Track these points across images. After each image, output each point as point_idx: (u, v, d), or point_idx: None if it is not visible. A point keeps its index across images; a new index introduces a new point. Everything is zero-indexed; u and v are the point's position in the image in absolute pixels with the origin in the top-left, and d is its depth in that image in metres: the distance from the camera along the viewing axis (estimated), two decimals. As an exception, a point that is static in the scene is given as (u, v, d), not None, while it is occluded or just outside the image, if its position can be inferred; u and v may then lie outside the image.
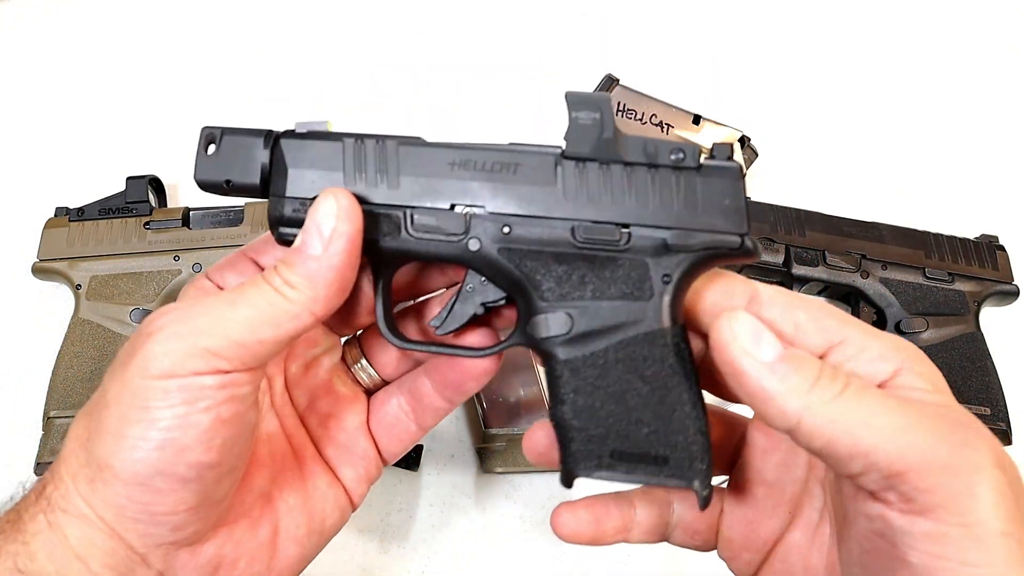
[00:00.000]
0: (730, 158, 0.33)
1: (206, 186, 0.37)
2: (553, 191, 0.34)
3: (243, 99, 0.75)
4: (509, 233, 0.34)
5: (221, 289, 0.36)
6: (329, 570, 0.56)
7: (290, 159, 0.36)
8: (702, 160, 0.33)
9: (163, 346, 0.30)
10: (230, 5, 0.80)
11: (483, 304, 0.37)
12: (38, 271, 0.61)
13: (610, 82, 0.71)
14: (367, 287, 0.38)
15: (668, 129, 0.70)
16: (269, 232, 0.36)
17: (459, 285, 0.37)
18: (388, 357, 0.42)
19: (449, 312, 0.37)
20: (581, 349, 0.34)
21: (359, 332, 0.44)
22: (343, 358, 0.43)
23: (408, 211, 0.35)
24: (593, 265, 0.34)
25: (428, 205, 0.35)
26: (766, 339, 0.30)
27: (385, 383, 0.44)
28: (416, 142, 0.35)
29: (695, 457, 0.33)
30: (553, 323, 0.34)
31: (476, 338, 0.39)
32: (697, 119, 0.70)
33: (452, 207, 0.35)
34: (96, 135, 0.73)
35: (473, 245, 0.35)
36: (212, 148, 0.37)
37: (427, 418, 0.43)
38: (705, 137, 0.70)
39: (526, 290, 0.35)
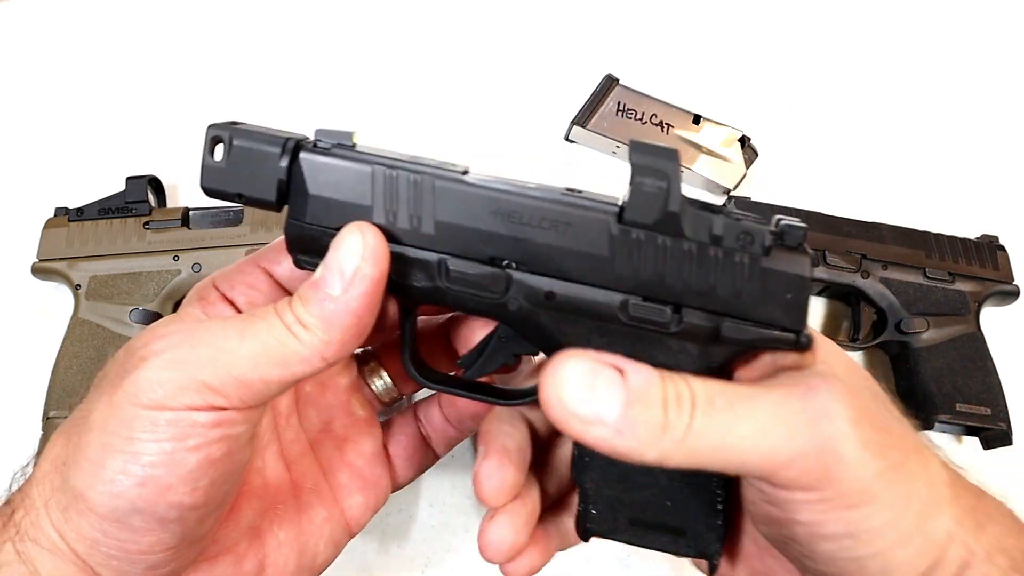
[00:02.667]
0: (801, 245, 0.29)
1: (214, 195, 0.32)
2: (606, 259, 0.30)
3: (244, 98, 0.75)
4: (553, 298, 0.31)
5: (228, 300, 0.34)
6: (329, 570, 0.56)
7: (311, 182, 0.31)
8: (771, 242, 0.29)
9: (158, 374, 0.28)
10: (231, 4, 0.80)
11: (515, 354, 0.35)
12: (38, 271, 0.61)
13: (610, 82, 0.71)
14: (391, 304, 0.35)
15: (668, 129, 0.70)
16: (282, 238, 0.33)
17: (493, 330, 0.35)
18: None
19: (479, 357, 0.35)
20: None
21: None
22: (359, 369, 0.41)
23: (443, 259, 0.31)
24: (638, 343, 0.31)
25: (465, 256, 0.31)
26: (602, 395, 0.27)
27: (401, 396, 0.43)
28: (456, 179, 0.31)
29: (712, 530, 0.33)
30: None
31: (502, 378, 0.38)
32: (697, 119, 0.70)
33: (492, 261, 0.31)
34: (96, 135, 0.73)
35: (512, 305, 0.31)
36: (220, 151, 0.33)
37: (441, 446, 0.42)
38: (705, 137, 0.70)
39: None
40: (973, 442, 0.62)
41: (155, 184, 0.67)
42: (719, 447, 0.27)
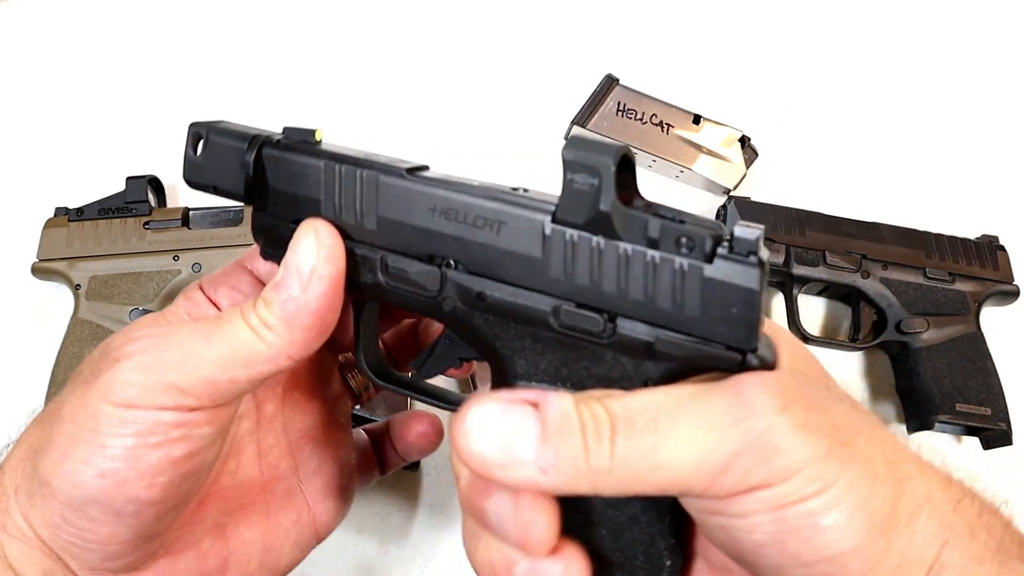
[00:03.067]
0: (753, 253, 0.25)
1: (194, 187, 0.34)
2: (538, 261, 0.28)
3: (244, 98, 0.75)
4: (484, 300, 0.30)
5: (213, 303, 0.35)
6: (329, 570, 0.56)
7: (271, 175, 0.33)
8: (713, 249, 0.26)
9: (130, 375, 0.29)
10: (231, 5, 0.80)
11: (459, 358, 0.34)
12: (38, 271, 0.61)
13: (610, 82, 0.71)
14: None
15: (668, 129, 0.70)
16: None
17: (441, 332, 0.34)
18: None
19: (427, 358, 0.35)
20: None
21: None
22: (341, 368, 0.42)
23: (384, 255, 0.31)
24: (571, 353, 0.29)
25: (405, 252, 0.31)
26: (516, 434, 0.25)
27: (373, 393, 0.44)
28: (398, 175, 0.30)
29: (662, 568, 0.30)
30: None
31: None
32: (697, 119, 0.70)
33: (430, 259, 0.30)
34: (96, 135, 0.73)
35: (447, 305, 0.31)
36: (201, 147, 0.34)
37: (387, 468, 0.45)
38: (705, 137, 0.70)
39: (501, 364, 0.31)
40: (973, 442, 0.62)
41: (155, 184, 0.67)
42: (650, 468, 0.25)
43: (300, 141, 0.33)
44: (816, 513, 0.25)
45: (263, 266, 0.36)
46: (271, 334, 0.30)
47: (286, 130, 0.33)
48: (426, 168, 0.32)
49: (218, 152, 0.34)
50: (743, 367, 0.26)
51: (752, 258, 0.25)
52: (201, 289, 0.35)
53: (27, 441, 0.32)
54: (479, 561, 0.31)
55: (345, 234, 0.31)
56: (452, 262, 0.30)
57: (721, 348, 0.26)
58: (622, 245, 0.26)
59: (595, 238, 0.27)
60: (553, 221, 0.28)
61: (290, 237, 0.31)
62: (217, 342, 0.30)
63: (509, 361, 0.30)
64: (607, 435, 0.25)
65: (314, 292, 0.30)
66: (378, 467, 0.44)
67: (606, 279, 0.27)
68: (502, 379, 0.31)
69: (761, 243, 0.25)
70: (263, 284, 0.36)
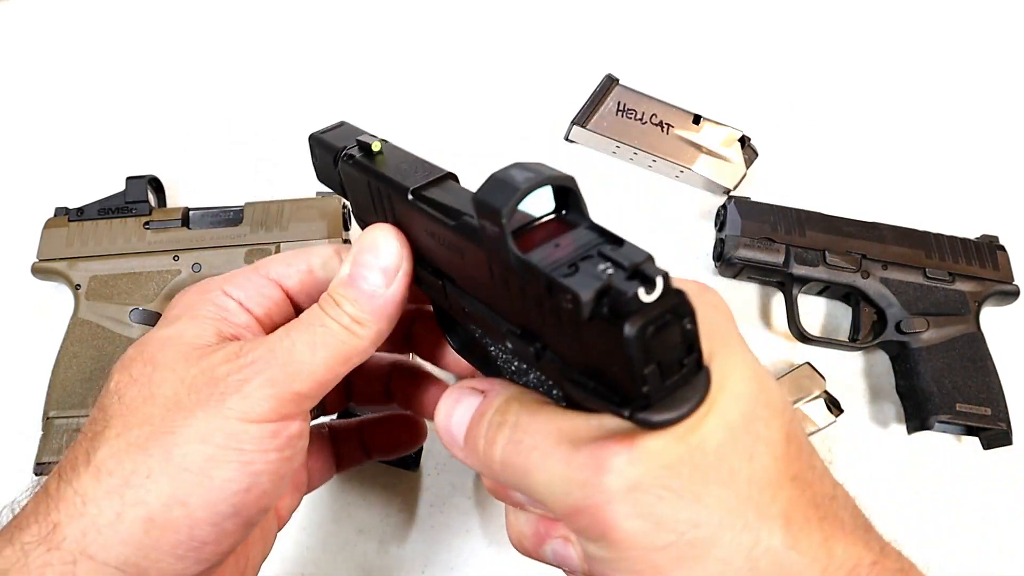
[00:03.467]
0: (626, 313, 0.22)
1: (327, 185, 0.40)
2: (490, 287, 0.29)
3: (244, 98, 0.75)
4: (468, 314, 0.32)
5: (241, 305, 0.35)
6: (329, 570, 0.56)
7: (347, 183, 0.37)
8: (591, 310, 0.23)
9: (261, 391, 0.31)
10: (231, 5, 0.80)
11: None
12: (38, 271, 0.61)
13: (610, 82, 0.71)
14: None
15: (668, 129, 0.70)
16: (290, 252, 0.37)
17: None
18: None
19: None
20: None
21: None
22: None
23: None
24: (527, 366, 0.31)
25: (418, 260, 0.34)
26: (458, 418, 0.31)
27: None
28: (403, 197, 0.32)
29: None
30: None
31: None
32: (697, 119, 0.70)
33: (436, 272, 0.33)
34: (96, 135, 0.73)
35: (454, 310, 0.34)
36: (311, 155, 0.39)
37: (343, 467, 0.46)
38: (705, 137, 0.70)
39: (495, 367, 0.33)
40: (973, 442, 0.62)
41: (155, 184, 0.67)
42: (523, 485, 0.28)
43: (362, 155, 0.35)
44: None
45: (292, 281, 0.37)
46: (364, 329, 0.32)
47: (358, 141, 0.36)
48: (452, 177, 0.33)
49: (321, 161, 0.39)
50: (634, 421, 0.24)
51: (628, 320, 0.22)
52: (227, 294, 0.35)
53: (113, 479, 0.30)
54: (514, 533, 0.34)
55: None
56: (450, 279, 0.32)
57: (615, 400, 0.24)
58: (529, 289, 0.26)
59: (514, 278, 0.26)
60: (487, 257, 0.27)
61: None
62: (322, 348, 0.32)
63: (495, 364, 0.33)
64: (501, 443, 0.28)
65: (399, 286, 0.33)
66: (335, 465, 0.45)
67: (532, 314, 0.27)
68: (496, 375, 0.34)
69: (639, 298, 0.22)
70: (286, 293, 0.37)
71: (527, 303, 0.26)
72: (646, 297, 0.22)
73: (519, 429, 0.28)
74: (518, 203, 0.24)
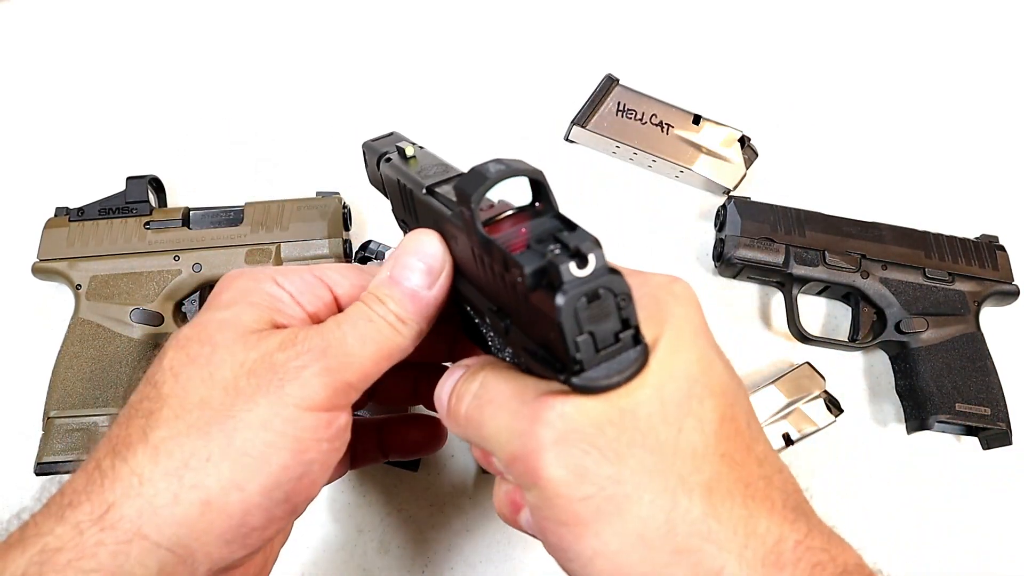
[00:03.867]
0: (556, 287, 0.25)
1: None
2: (474, 266, 0.32)
3: (244, 98, 0.75)
4: (461, 293, 0.35)
5: (293, 298, 0.36)
6: (329, 570, 0.56)
7: (386, 184, 0.41)
8: (532, 281, 0.27)
9: (320, 379, 0.32)
10: (230, 5, 0.80)
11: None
12: (38, 271, 0.61)
13: (610, 82, 0.71)
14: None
15: (668, 129, 0.70)
16: (347, 265, 0.40)
17: None
18: None
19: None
20: None
21: None
22: None
23: None
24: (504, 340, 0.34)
25: None
26: (445, 389, 0.34)
27: None
28: (420, 189, 0.36)
29: None
30: None
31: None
32: (697, 119, 0.71)
33: None
34: (96, 135, 0.73)
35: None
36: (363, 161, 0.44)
37: (355, 464, 0.46)
38: (705, 137, 0.70)
39: (486, 344, 0.36)
40: (973, 442, 0.62)
41: (155, 184, 0.67)
42: (480, 436, 0.31)
43: (399, 158, 0.39)
44: (565, 539, 0.28)
45: (342, 289, 0.38)
46: (406, 327, 0.34)
47: (397, 146, 0.40)
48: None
49: (370, 165, 0.43)
50: (569, 385, 0.27)
51: (558, 290, 0.25)
52: (279, 284, 0.36)
53: (172, 460, 0.30)
54: (496, 502, 0.35)
55: (412, 229, 0.38)
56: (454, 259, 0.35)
57: (551, 366, 0.28)
58: (495, 266, 0.29)
59: (484, 257, 0.30)
60: (469, 240, 0.31)
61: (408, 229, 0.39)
62: (370, 343, 0.33)
63: (487, 345, 0.36)
64: (466, 400, 0.32)
65: (440, 288, 0.34)
66: (348, 462, 0.45)
67: (501, 292, 0.30)
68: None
69: (570, 271, 0.25)
70: (335, 296, 0.37)
71: (497, 281, 0.29)
72: (577, 272, 0.26)
73: (482, 387, 0.32)
74: (486, 191, 0.28)
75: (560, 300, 0.25)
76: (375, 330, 0.33)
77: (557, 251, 0.26)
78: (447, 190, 0.35)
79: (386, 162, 0.40)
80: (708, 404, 0.28)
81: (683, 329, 0.30)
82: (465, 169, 0.34)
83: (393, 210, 0.43)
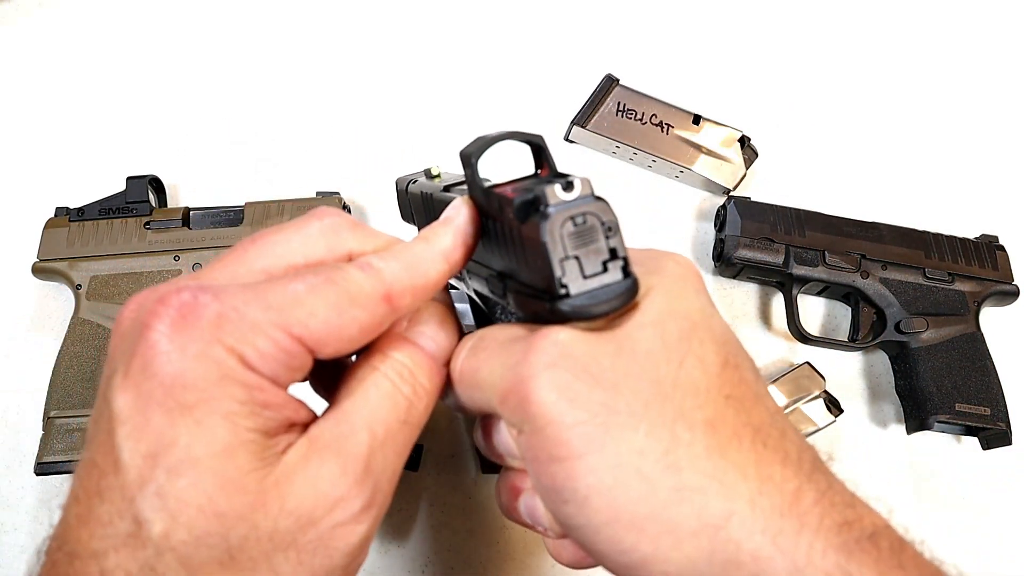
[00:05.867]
0: (540, 208, 0.27)
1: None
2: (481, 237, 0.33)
3: (244, 98, 0.75)
4: (474, 281, 0.37)
5: (265, 379, 0.30)
6: (329, 570, 0.56)
7: (413, 203, 0.45)
8: (520, 212, 0.28)
9: (366, 526, 0.28)
10: (230, 5, 0.80)
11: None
12: (38, 271, 0.61)
13: (610, 82, 0.71)
14: None
15: (668, 129, 0.70)
16: (293, 280, 0.39)
17: None
18: None
19: None
20: None
21: None
22: None
23: None
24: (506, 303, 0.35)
25: None
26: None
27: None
28: (436, 190, 0.39)
29: None
30: None
31: None
32: (697, 119, 0.70)
33: None
34: (96, 135, 0.73)
35: (469, 290, 0.39)
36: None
37: None
38: (705, 137, 0.70)
39: (493, 313, 0.39)
40: (972, 442, 0.62)
41: (156, 184, 0.67)
42: (475, 384, 0.30)
43: (425, 179, 0.43)
44: (559, 477, 0.26)
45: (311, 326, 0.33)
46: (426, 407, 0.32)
47: (425, 170, 0.44)
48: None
49: (400, 196, 0.50)
50: (555, 315, 0.27)
51: (542, 212, 0.26)
52: (248, 365, 0.27)
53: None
54: (497, 491, 0.34)
55: None
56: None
57: (541, 299, 0.28)
58: (492, 218, 0.30)
59: (488, 210, 0.31)
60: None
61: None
62: (401, 455, 0.30)
63: (493, 309, 0.38)
64: (463, 354, 0.31)
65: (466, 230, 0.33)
66: None
67: (500, 250, 0.31)
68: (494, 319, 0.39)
69: (555, 194, 0.26)
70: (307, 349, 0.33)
71: (494, 238, 0.31)
72: (562, 194, 0.27)
73: (477, 340, 0.32)
74: (484, 149, 0.29)
75: (543, 221, 0.26)
76: (410, 431, 0.30)
77: (546, 187, 0.27)
78: (463, 189, 0.37)
79: (412, 184, 0.44)
80: (710, 347, 0.27)
81: (683, 282, 0.29)
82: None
83: (419, 227, 0.45)
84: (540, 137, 0.30)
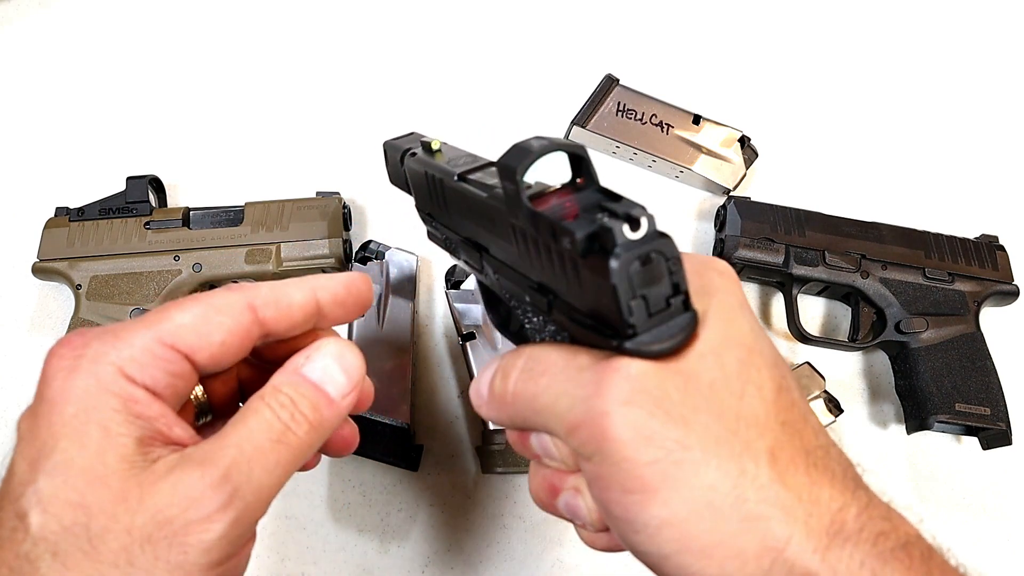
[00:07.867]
0: (612, 248, 0.26)
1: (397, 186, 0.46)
2: (514, 245, 0.32)
3: (244, 98, 0.75)
4: (499, 279, 0.36)
5: (149, 392, 0.32)
6: (329, 570, 0.56)
7: (410, 177, 0.42)
8: (583, 246, 0.27)
9: (230, 533, 0.29)
10: (230, 5, 0.80)
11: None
12: (38, 271, 0.61)
13: (610, 82, 0.71)
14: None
15: (668, 129, 0.70)
16: (182, 307, 0.34)
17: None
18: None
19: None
20: None
21: None
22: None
23: (450, 237, 0.40)
24: (545, 318, 0.34)
25: (464, 237, 0.38)
26: (484, 380, 0.33)
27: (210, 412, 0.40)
28: (451, 178, 0.36)
29: None
30: None
31: None
32: (697, 119, 0.71)
33: (476, 245, 0.37)
34: (96, 135, 0.73)
35: (487, 278, 0.38)
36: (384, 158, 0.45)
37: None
38: (705, 137, 0.70)
39: (519, 322, 0.37)
40: (972, 442, 0.62)
41: (156, 184, 0.67)
42: (532, 410, 0.30)
43: (424, 152, 0.40)
44: (631, 508, 0.27)
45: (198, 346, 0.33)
46: (318, 438, 0.33)
47: (421, 142, 0.41)
48: (494, 165, 0.35)
49: (392, 162, 0.45)
50: (620, 351, 0.27)
51: (612, 253, 0.26)
52: (128, 378, 0.31)
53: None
54: (533, 487, 0.34)
55: (438, 220, 0.41)
56: (485, 246, 0.36)
57: (604, 335, 0.28)
58: (540, 239, 0.29)
59: (529, 231, 0.30)
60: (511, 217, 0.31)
61: (435, 226, 0.42)
62: (282, 467, 0.31)
63: (526, 335, 0.36)
64: (514, 376, 0.31)
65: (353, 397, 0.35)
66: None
67: (544, 266, 0.30)
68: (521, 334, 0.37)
69: (623, 233, 0.26)
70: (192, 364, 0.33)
71: (540, 255, 0.30)
72: (631, 234, 0.26)
73: (531, 361, 0.31)
74: (531, 164, 0.28)
75: (614, 263, 0.25)
76: (288, 450, 0.30)
77: (606, 218, 0.26)
78: (480, 176, 0.35)
79: (411, 157, 0.41)
80: (765, 373, 0.28)
81: (731, 301, 0.30)
82: (491, 159, 0.35)
83: (416, 204, 0.43)
84: (583, 147, 0.29)
